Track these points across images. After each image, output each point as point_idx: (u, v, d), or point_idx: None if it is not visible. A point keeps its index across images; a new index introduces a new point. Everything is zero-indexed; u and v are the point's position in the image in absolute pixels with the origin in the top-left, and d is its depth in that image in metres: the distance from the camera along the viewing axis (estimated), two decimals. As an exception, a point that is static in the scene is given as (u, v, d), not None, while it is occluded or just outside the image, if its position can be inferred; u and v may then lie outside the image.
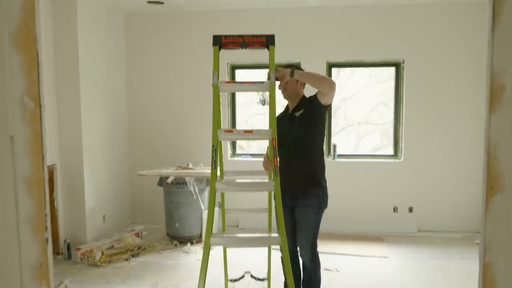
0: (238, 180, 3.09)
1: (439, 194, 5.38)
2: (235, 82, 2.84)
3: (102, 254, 4.45)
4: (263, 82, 2.73)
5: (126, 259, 4.47)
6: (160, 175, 4.94)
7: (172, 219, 4.98)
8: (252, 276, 3.65)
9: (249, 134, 2.74)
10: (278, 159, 2.51)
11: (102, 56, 5.13)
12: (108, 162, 5.25)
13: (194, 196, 4.88)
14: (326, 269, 4.12)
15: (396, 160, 5.49)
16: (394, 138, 5.54)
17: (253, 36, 2.60)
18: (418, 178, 5.41)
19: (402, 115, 5.43)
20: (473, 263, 4.31)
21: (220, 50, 2.54)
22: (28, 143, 0.93)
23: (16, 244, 0.98)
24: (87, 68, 4.74)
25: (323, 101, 2.93)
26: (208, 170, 5.03)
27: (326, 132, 5.52)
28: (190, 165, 5.23)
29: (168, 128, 5.76)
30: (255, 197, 4.44)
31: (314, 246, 3.09)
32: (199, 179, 4.92)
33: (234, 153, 5.80)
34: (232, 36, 2.56)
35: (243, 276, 3.66)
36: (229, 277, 3.61)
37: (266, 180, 2.78)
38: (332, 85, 2.86)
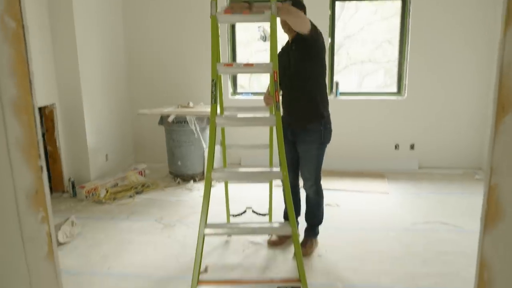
0: (239, 115, 3.05)
1: (441, 131, 5.35)
2: (234, 13, 2.72)
3: (107, 192, 4.52)
4: (263, 13, 2.62)
5: (130, 196, 4.55)
6: (161, 114, 4.90)
7: (174, 157, 5.01)
8: (253, 212, 3.73)
9: (250, 67, 2.70)
10: (280, 93, 2.47)
11: (96, -9, 4.91)
12: (107, 102, 5.19)
13: (196, 135, 4.87)
14: (327, 205, 4.16)
15: (400, 98, 5.41)
16: (398, 75, 5.42)
17: None
18: (421, 115, 5.35)
19: (407, 51, 5.27)
20: (473, 197, 4.37)
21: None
22: (12, 63, 0.88)
23: (9, 171, 0.95)
24: (82, 6, 4.55)
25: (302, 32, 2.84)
26: (209, 109, 4.97)
27: (328, 70, 5.41)
28: (191, 104, 5.17)
29: (168, 65, 5.63)
30: (256, 134, 4.42)
31: (318, 179, 3.14)
32: (200, 118, 4.88)
33: (235, 92, 5.72)
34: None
35: (244, 211, 3.73)
36: (231, 213, 3.68)
37: (268, 115, 2.74)
38: (304, 29, 2.78)
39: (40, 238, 0.97)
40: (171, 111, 4.88)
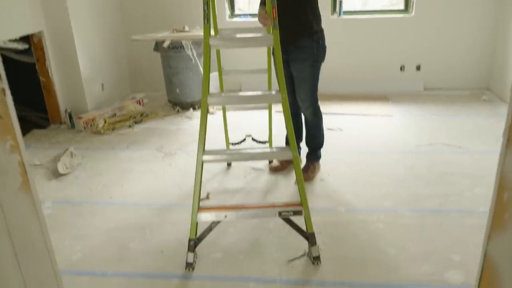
0: (233, 35, 2.87)
1: (448, 51, 5.12)
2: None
3: (105, 122, 4.44)
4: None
5: (130, 126, 4.47)
6: (155, 39, 4.67)
7: (172, 85, 4.86)
8: (253, 139, 3.65)
9: None
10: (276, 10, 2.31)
11: None
12: (99, 27, 4.94)
13: (193, 61, 4.67)
14: (329, 129, 4.10)
15: (407, 15, 5.11)
16: (405, -11, 5.08)
17: None
18: (428, 34, 5.09)
19: (416, -38, 4.89)
20: (479, 118, 4.27)
21: None
22: None
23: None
24: None
25: None
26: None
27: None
28: (186, 28, 4.92)
29: (159, -12, 5.29)
30: (257, 58, 4.23)
31: (314, 100, 3.03)
32: (196, 43, 4.66)
33: (232, 14, 5.42)
34: None
35: (244, 140, 3.67)
36: (230, 141, 3.61)
37: (264, 34, 2.56)
38: None
39: (12, 169, 0.88)
40: (166, 36, 4.65)
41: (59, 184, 3.32)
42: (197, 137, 2.37)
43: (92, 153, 3.86)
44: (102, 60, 4.99)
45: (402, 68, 5.24)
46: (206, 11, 2.36)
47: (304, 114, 3.14)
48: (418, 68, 5.23)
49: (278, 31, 2.31)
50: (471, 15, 4.93)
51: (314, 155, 3.26)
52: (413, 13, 5.04)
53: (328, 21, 5.14)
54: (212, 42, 2.38)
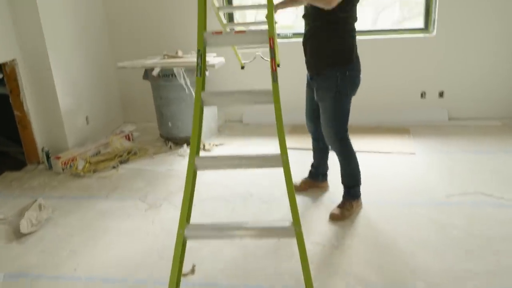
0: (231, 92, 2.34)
1: (475, 74, 4.52)
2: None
3: (86, 163, 3.91)
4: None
5: (114, 167, 3.93)
6: (144, 66, 4.15)
7: (163, 117, 4.32)
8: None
9: (241, 35, 2.10)
10: (278, 60, 1.98)
11: None
12: (83, 55, 4.44)
13: (186, 90, 4.14)
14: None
15: (427, 35, 4.54)
16: (426, 6, 4.51)
17: None
18: (452, 56, 4.50)
19: (438, -24, 4.34)
20: (518, 157, 3.66)
21: None
22: None
23: None
24: None
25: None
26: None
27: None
28: (180, 53, 4.40)
29: (154, 9, 4.80)
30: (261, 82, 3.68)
31: (338, 135, 2.74)
32: (190, 70, 4.13)
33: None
34: None
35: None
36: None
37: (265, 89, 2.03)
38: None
39: None
40: (155, 62, 4.13)
41: (19, 247, 2.77)
42: None
43: (66, 203, 3.32)
44: (87, 90, 4.49)
45: (423, 95, 4.65)
46: (200, 64, 1.97)
47: (331, 149, 2.89)
48: (441, 94, 4.64)
49: (305, 54, 2.07)
50: (503, 33, 4.35)
51: (347, 193, 2.90)
52: (435, 32, 4.47)
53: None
54: (205, 97, 1.95)
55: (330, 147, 2.90)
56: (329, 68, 2.58)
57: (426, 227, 2.71)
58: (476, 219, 2.75)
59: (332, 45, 2.56)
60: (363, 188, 2.94)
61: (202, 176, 3.01)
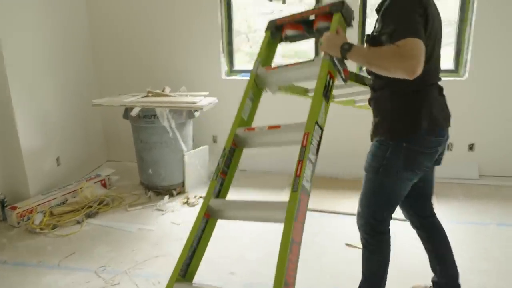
0: (244, 200, 1.63)
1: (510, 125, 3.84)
2: (279, 67, 1.76)
3: (45, 216, 3.31)
4: (313, 60, 1.66)
5: (78, 222, 3.33)
6: (122, 105, 3.58)
7: (144, 163, 3.73)
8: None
9: (276, 130, 1.62)
10: (308, 158, 1.42)
11: None
12: (59, 86, 3.91)
13: (170, 134, 3.56)
14: (347, 244, 2.87)
15: (457, 78, 3.88)
16: (457, 46, 3.87)
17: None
18: (485, 103, 3.84)
19: (472, 10, 3.71)
20: None
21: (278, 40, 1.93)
22: None
23: None
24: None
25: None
26: (189, 98, 3.63)
27: (358, 37, 3.93)
28: (167, 90, 3.83)
29: (143, 43, 4.28)
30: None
31: (371, 221, 1.97)
32: (176, 111, 3.55)
33: (231, 70, 4.32)
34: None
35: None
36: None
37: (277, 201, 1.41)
38: (404, 67, 1.48)
39: None
40: (136, 101, 3.56)
41: None
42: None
43: (7, 272, 2.71)
44: (60, 127, 3.94)
45: (449, 147, 3.97)
46: (220, 164, 1.60)
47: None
48: (471, 147, 3.96)
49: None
50: (547, 81, 3.67)
51: None
52: (466, 75, 3.83)
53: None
54: (213, 205, 1.49)
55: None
56: (380, 134, 1.86)
57: None
58: None
59: (390, 106, 1.82)
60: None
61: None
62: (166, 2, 4.11)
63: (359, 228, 2.05)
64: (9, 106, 3.37)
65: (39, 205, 3.39)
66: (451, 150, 3.98)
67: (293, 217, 1.24)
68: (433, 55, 1.74)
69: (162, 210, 3.49)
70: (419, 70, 1.46)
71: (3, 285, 2.59)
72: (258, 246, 2.92)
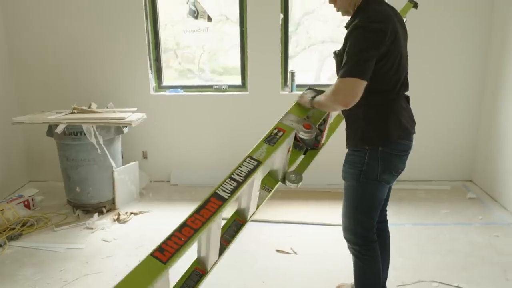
0: None
1: (425, 138, 4.22)
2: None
3: (-39, 241, 3.12)
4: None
5: (0, 245, 3.16)
6: (46, 122, 3.48)
7: (70, 181, 3.63)
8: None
9: None
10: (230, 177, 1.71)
11: None
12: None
13: (98, 150, 3.50)
14: (277, 250, 3.01)
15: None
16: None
17: None
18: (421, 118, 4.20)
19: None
20: (471, 230, 3.29)
21: None
22: None
23: None
24: None
25: None
26: (118, 114, 3.61)
27: (281, 56, 4.15)
28: (94, 106, 3.78)
29: (67, 56, 4.18)
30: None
31: (356, 232, 2.08)
32: (104, 127, 3.51)
33: (159, 86, 4.35)
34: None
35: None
36: None
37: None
38: (336, 103, 1.81)
39: None
40: (60, 117, 3.48)
41: None
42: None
43: None
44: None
45: (368, 155, 4.28)
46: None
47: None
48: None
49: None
50: (450, 102, 4.12)
51: None
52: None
53: (278, 97, 4.22)
54: None
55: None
56: (357, 143, 2.00)
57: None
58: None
59: (362, 113, 1.96)
60: (306, 274, 2.38)
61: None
62: (93, 14, 4.06)
63: (348, 241, 2.12)
64: None
65: (-46, 230, 3.18)
66: (370, 158, 4.29)
67: (196, 210, 1.51)
68: (399, 70, 1.90)
69: (91, 228, 3.41)
70: (352, 104, 1.75)
71: None
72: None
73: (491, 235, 3.21)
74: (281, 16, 4.05)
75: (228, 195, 1.56)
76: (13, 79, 4.24)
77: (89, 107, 3.75)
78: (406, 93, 2.02)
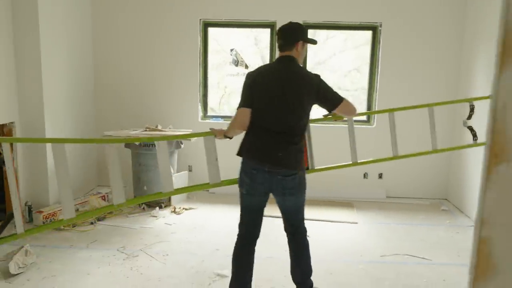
0: None
1: (408, 161, 5.38)
2: None
3: (66, 218, 4.27)
4: None
5: (92, 223, 4.32)
6: (128, 136, 4.73)
7: (140, 182, 4.83)
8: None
9: None
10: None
11: (64, 8, 4.76)
12: (71, 121, 4.99)
13: (163, 159, 4.71)
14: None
15: (369, 126, 5.45)
16: (368, 104, 5.48)
17: None
18: (389, 145, 5.39)
19: (376, 80, 5.35)
20: (440, 229, 4.40)
21: None
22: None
23: None
24: (48, 20, 4.39)
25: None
26: (177, 132, 4.85)
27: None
28: (159, 127, 5.03)
29: (137, 85, 5.51)
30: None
31: (303, 224, 2.94)
32: (168, 142, 4.74)
33: (205, 115, 5.62)
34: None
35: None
36: (216, 271, 3.49)
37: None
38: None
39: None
40: (139, 133, 4.73)
41: (7, 286, 3.08)
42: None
43: (49, 251, 3.66)
44: (70, 153, 4.95)
45: (365, 176, 5.45)
46: None
47: None
48: (380, 176, 5.46)
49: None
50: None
51: None
52: (375, 124, 5.39)
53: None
54: None
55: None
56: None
57: (362, 277, 3.30)
58: (403, 274, 3.37)
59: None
60: (314, 250, 3.47)
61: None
62: (162, 59, 5.40)
63: (301, 232, 2.85)
64: (43, 134, 4.41)
65: (59, 210, 4.35)
66: (366, 178, 5.46)
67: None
68: (258, 108, 2.65)
69: (155, 216, 4.57)
70: (240, 127, 2.72)
71: (48, 258, 3.53)
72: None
73: (453, 232, 4.32)
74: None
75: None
76: (95, 102, 5.54)
77: (156, 127, 5.00)
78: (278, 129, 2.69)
